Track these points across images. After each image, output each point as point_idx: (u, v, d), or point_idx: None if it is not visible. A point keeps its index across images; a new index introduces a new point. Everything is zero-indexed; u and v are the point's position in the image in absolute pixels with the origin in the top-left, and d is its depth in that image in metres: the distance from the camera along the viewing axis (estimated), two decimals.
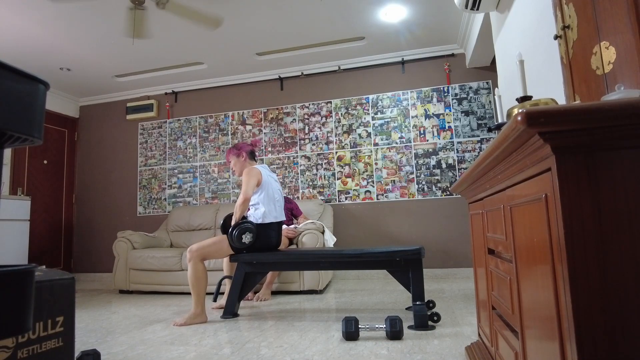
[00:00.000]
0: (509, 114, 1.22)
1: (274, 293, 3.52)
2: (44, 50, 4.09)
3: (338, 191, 4.55)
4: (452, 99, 4.37)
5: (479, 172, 1.13)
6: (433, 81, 4.45)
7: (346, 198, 4.51)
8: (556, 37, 1.70)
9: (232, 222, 2.72)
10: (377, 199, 4.43)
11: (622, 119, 0.57)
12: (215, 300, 3.11)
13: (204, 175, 5.01)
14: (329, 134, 4.66)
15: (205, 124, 5.10)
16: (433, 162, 4.33)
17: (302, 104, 4.80)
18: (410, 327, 2.22)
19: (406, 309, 2.73)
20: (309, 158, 4.68)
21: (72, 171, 5.47)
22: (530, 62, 2.12)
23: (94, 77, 4.87)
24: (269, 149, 4.82)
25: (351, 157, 4.56)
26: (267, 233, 2.78)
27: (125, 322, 2.69)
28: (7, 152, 4.65)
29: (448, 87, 4.40)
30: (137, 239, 4.11)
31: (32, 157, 4.96)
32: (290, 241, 3.67)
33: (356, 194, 4.49)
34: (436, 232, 4.22)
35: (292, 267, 2.89)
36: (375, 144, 4.51)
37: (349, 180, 4.53)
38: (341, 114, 4.66)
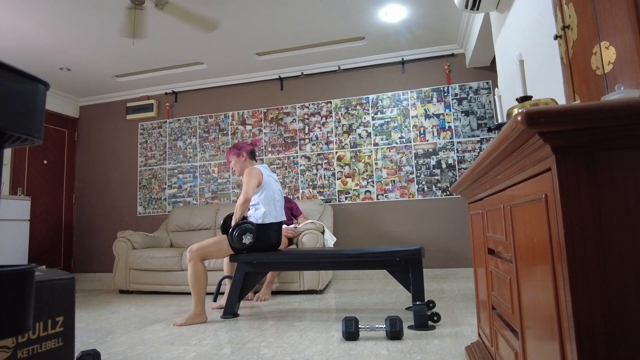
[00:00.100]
0: (509, 114, 1.22)
1: (274, 293, 3.52)
2: (44, 50, 4.09)
3: (338, 191, 4.55)
4: (452, 99, 4.37)
5: (479, 172, 1.13)
6: (433, 81, 4.45)
7: (346, 198, 4.51)
8: (556, 37, 1.70)
9: (233, 223, 2.72)
10: (377, 199, 4.43)
11: (622, 119, 0.57)
12: (215, 300, 3.11)
13: (204, 175, 5.01)
14: (329, 134, 4.66)
15: (205, 124, 5.10)
16: (433, 162, 4.33)
17: (302, 104, 4.80)
18: (410, 327, 2.22)
19: (406, 309, 2.73)
20: (309, 158, 4.68)
21: (72, 171, 5.47)
22: (530, 62, 2.12)
23: (94, 77, 4.87)
24: (269, 149, 4.82)
25: (351, 157, 4.56)
26: (267, 233, 2.78)
27: (125, 322, 2.69)
28: (7, 152, 4.65)
29: (448, 87, 4.40)
30: (137, 239, 4.11)
31: (32, 157, 4.96)
32: (290, 241, 3.67)
33: (356, 194, 4.49)
34: (436, 232, 4.22)
35: (292, 267, 2.89)
36: (375, 144, 4.51)
37: (349, 180, 4.53)
38: (341, 114, 4.66)
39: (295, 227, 3.64)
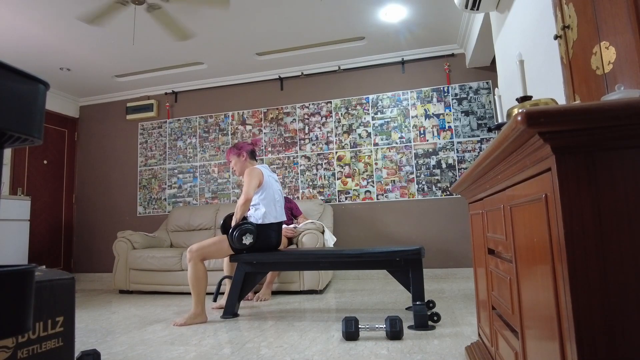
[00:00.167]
0: (509, 114, 1.22)
1: (274, 293, 3.52)
2: (44, 50, 4.09)
3: (338, 191, 4.55)
4: (452, 99, 4.37)
5: (479, 172, 1.13)
6: (433, 81, 4.46)
7: (346, 198, 4.51)
8: (556, 37, 1.70)
9: (233, 223, 2.72)
10: (377, 199, 4.43)
11: (622, 119, 0.57)
12: (215, 300, 3.11)
13: (204, 175, 5.02)
14: (329, 134, 4.66)
15: (205, 124, 5.10)
16: (433, 162, 4.33)
17: (302, 104, 4.80)
18: (410, 327, 2.22)
19: (406, 309, 2.73)
20: (309, 158, 4.68)
21: (72, 171, 5.47)
22: (530, 62, 2.12)
23: (94, 77, 4.87)
24: (269, 149, 4.82)
25: (351, 157, 4.56)
26: (267, 233, 2.78)
27: (125, 322, 2.69)
28: (7, 152, 4.65)
29: (448, 87, 4.40)
30: (137, 239, 4.11)
31: (32, 157, 4.96)
32: (290, 241, 3.67)
33: (356, 194, 4.49)
34: (436, 232, 4.22)
35: (292, 267, 2.89)
36: (375, 144, 4.51)
37: (349, 180, 4.53)
38: (341, 114, 4.66)
39: (295, 227, 3.64)
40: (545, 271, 0.70)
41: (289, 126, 4.80)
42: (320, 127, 4.70)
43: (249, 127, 4.94)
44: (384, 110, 4.54)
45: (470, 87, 4.34)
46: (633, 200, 0.59)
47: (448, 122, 4.35)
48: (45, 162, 5.13)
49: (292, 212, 3.89)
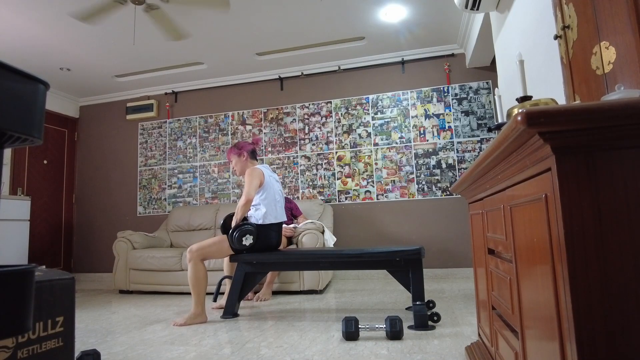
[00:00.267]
0: (509, 114, 1.22)
1: (274, 293, 3.52)
2: (44, 50, 4.09)
3: (338, 191, 4.55)
4: (452, 99, 4.37)
5: (479, 172, 1.13)
6: (433, 81, 4.46)
7: (346, 198, 4.51)
8: (556, 37, 1.70)
9: (233, 223, 2.72)
10: (377, 199, 4.43)
11: (622, 119, 0.57)
12: (215, 300, 3.11)
13: (204, 175, 5.02)
14: (329, 134, 4.66)
15: (205, 124, 5.10)
16: (433, 162, 4.33)
17: (302, 104, 4.80)
18: (410, 327, 2.22)
19: (406, 309, 2.73)
20: (309, 158, 4.68)
21: (72, 171, 5.47)
22: (530, 62, 2.12)
23: (94, 77, 4.87)
24: (269, 149, 4.82)
25: (351, 157, 4.56)
26: (268, 234, 2.78)
27: (125, 322, 2.69)
28: (7, 152, 4.65)
29: (448, 87, 4.40)
30: (137, 239, 4.11)
31: (32, 157, 4.96)
32: (290, 241, 3.67)
33: (356, 194, 4.49)
34: (436, 232, 4.22)
35: (292, 267, 2.89)
36: (375, 144, 4.51)
37: (349, 180, 4.53)
38: (341, 114, 4.66)
39: (295, 227, 3.64)
40: (545, 271, 0.70)
41: (289, 126, 4.80)
42: (320, 127, 4.70)
43: (249, 127, 4.94)
44: (384, 110, 4.54)
45: (470, 87, 4.34)
46: (633, 200, 0.59)
47: (448, 122, 4.35)
48: (45, 162, 5.13)
49: (292, 212, 3.89)
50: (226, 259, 3.16)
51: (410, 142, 4.42)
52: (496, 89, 1.68)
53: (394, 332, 2.02)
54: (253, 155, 2.99)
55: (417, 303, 2.27)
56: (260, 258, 2.68)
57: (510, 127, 0.67)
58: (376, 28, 3.95)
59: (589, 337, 0.58)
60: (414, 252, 2.42)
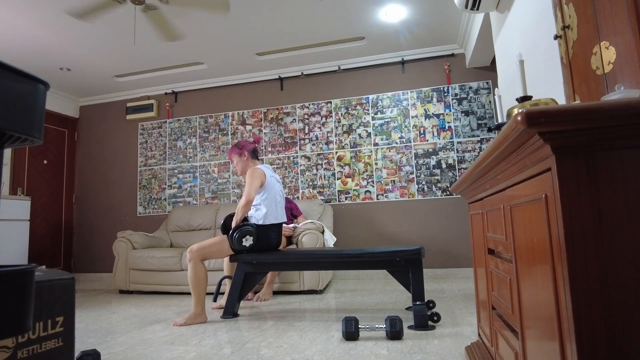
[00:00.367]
0: (509, 114, 1.22)
1: (274, 293, 3.51)
2: (44, 50, 4.09)
3: (338, 191, 4.55)
4: (452, 99, 4.37)
5: (479, 172, 1.13)
6: (433, 81, 4.46)
7: (346, 198, 4.51)
8: (556, 37, 1.70)
9: (233, 224, 2.72)
10: (377, 199, 4.43)
11: (622, 119, 0.57)
12: (215, 300, 3.11)
13: (204, 175, 5.02)
14: (329, 134, 4.66)
15: (205, 124, 5.10)
16: (433, 162, 4.33)
17: (302, 104, 4.80)
18: (410, 327, 2.22)
19: (406, 309, 2.73)
20: (309, 158, 4.68)
21: (72, 171, 5.47)
22: (530, 62, 2.12)
23: (94, 77, 4.87)
24: (269, 149, 4.82)
25: (351, 157, 4.56)
26: (268, 234, 2.77)
27: (125, 322, 2.69)
28: (7, 152, 4.65)
29: (448, 87, 4.40)
30: (137, 239, 4.11)
31: (32, 157, 4.96)
32: (290, 241, 3.67)
33: (356, 194, 4.49)
34: (436, 232, 4.22)
35: (292, 267, 2.89)
36: (375, 144, 4.51)
37: (349, 180, 4.53)
38: (341, 114, 4.66)
39: (295, 227, 3.64)
40: (545, 271, 0.70)
41: (289, 126, 4.80)
42: (320, 127, 4.70)
43: (249, 127, 4.94)
44: (384, 110, 4.54)
45: (470, 87, 4.34)
46: (633, 200, 0.59)
47: (448, 122, 4.35)
48: (45, 162, 5.13)
49: (292, 212, 3.89)
50: (226, 259, 3.16)
51: (410, 142, 4.42)
52: (496, 89, 1.68)
53: (394, 332, 2.02)
54: (254, 154, 2.98)
55: (417, 303, 2.27)
56: (260, 258, 2.68)
57: (510, 127, 0.67)
58: (376, 28, 3.95)
59: (589, 337, 0.58)
60: (414, 252, 2.42)
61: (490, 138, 4.20)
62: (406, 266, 2.44)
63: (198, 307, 2.58)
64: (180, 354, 1.93)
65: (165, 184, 5.13)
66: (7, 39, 3.80)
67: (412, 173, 4.37)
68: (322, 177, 4.61)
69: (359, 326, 2.09)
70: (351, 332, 2.04)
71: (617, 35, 1.22)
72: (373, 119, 4.56)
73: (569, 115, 0.58)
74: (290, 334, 2.21)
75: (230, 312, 2.69)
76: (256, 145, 3.03)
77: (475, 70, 4.35)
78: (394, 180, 4.41)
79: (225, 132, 5.01)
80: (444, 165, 4.30)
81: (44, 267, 4.23)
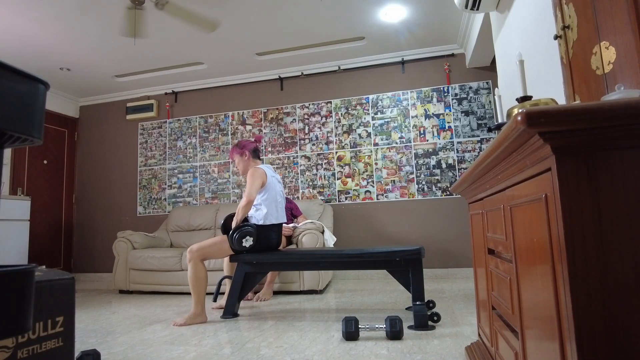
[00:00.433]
0: (509, 114, 1.22)
1: (274, 293, 3.51)
2: (44, 50, 4.09)
3: (338, 191, 4.55)
4: (452, 99, 4.37)
5: (479, 172, 1.13)
6: (433, 81, 4.46)
7: (346, 198, 4.51)
8: (556, 37, 1.70)
9: (233, 224, 2.72)
10: (377, 199, 4.43)
11: (622, 119, 0.57)
12: (215, 300, 3.11)
13: (204, 175, 5.02)
14: (329, 134, 4.66)
15: (205, 124, 5.10)
16: (433, 162, 4.33)
17: (302, 104, 4.80)
18: (410, 327, 2.22)
19: (406, 309, 2.73)
20: (309, 158, 4.68)
21: (72, 171, 5.47)
22: (530, 62, 2.12)
23: (94, 77, 4.87)
24: (269, 149, 4.82)
25: (351, 157, 4.56)
26: (268, 234, 2.77)
27: (125, 322, 2.69)
28: (7, 152, 4.65)
29: (448, 87, 4.40)
30: (137, 239, 4.11)
31: (32, 157, 4.96)
32: (289, 241, 3.67)
33: (356, 194, 4.49)
34: (436, 232, 4.22)
35: (292, 267, 2.89)
36: (375, 144, 4.51)
37: (349, 180, 4.53)
38: (341, 114, 4.66)
39: (295, 227, 3.64)
40: (545, 271, 0.70)
41: (289, 126, 4.80)
42: (320, 127, 4.70)
43: (249, 127, 4.94)
44: (384, 110, 4.54)
45: (470, 87, 4.34)
46: (633, 200, 0.59)
47: (448, 122, 4.35)
48: (45, 162, 5.13)
49: (292, 212, 3.89)
50: (226, 259, 3.16)
51: (410, 142, 4.42)
52: (496, 89, 1.68)
53: (394, 332, 2.02)
54: (255, 154, 2.98)
55: (417, 303, 2.27)
56: (260, 258, 2.68)
57: (510, 127, 0.67)
58: (376, 28, 3.95)
59: (589, 337, 0.58)
60: (414, 252, 2.42)
61: (490, 138, 4.20)
62: (406, 266, 2.44)
63: (198, 307, 2.58)
64: (180, 354, 1.93)
65: (165, 184, 5.13)
66: (7, 39, 3.80)
67: (412, 173, 4.37)
68: (322, 177, 4.61)
69: (359, 326, 2.09)
70: (351, 332, 2.04)
71: (617, 35, 1.22)
72: (373, 119, 4.56)
73: (569, 115, 0.58)
74: (290, 334, 2.21)
75: (230, 312, 2.69)
76: (257, 144, 3.02)
77: (475, 70, 4.35)
78: (394, 180, 4.41)
79: (225, 132, 5.01)
80: (444, 165, 4.30)
81: (44, 267, 4.23)
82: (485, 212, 1.30)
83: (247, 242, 2.64)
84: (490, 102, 4.27)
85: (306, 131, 4.73)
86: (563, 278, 0.62)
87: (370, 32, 4.04)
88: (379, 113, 4.55)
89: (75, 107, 5.59)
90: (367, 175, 4.49)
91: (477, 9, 2.81)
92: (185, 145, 5.13)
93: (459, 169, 4.26)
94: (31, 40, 3.86)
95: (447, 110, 4.37)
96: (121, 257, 4.02)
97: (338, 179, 4.56)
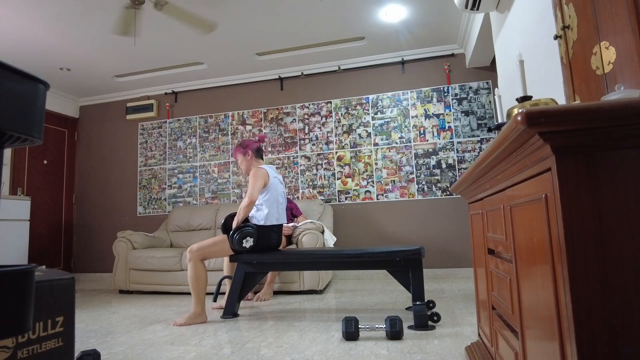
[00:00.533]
0: (509, 114, 1.22)
1: (275, 293, 3.51)
2: (44, 50, 4.09)
3: (338, 191, 4.55)
4: (452, 99, 4.37)
5: (479, 172, 1.13)
6: (433, 81, 4.45)
7: (346, 198, 4.51)
8: (556, 37, 1.70)
9: (234, 224, 2.71)
10: (377, 199, 4.43)
11: (622, 119, 0.57)
12: (215, 301, 3.11)
13: (204, 175, 5.02)
14: (329, 134, 4.66)
15: (205, 124, 5.10)
16: (433, 162, 4.33)
17: (302, 104, 4.80)
18: (410, 327, 2.22)
19: (406, 309, 2.73)
20: (309, 158, 4.68)
21: (72, 171, 5.47)
22: (530, 62, 2.12)
23: (94, 77, 4.87)
24: (269, 149, 4.82)
25: (351, 157, 4.56)
26: (268, 235, 2.77)
27: (125, 322, 2.69)
28: (7, 152, 4.65)
29: (448, 87, 4.40)
30: (137, 239, 4.11)
31: (32, 157, 4.96)
32: (289, 240, 3.67)
33: (356, 194, 4.49)
34: (436, 232, 4.22)
35: (292, 267, 2.89)
36: (375, 144, 4.51)
37: (349, 180, 4.53)
38: (341, 114, 4.66)
39: (294, 226, 3.63)
40: (545, 271, 0.70)
41: (289, 126, 4.80)
42: (320, 127, 4.70)
43: (249, 127, 4.94)
44: (384, 110, 4.54)
45: (470, 87, 4.34)
46: (633, 200, 0.59)
47: (448, 122, 4.35)
48: (45, 162, 5.13)
49: (292, 212, 3.89)
50: (226, 259, 3.16)
51: (410, 142, 4.42)
52: (496, 89, 1.68)
53: (394, 332, 2.02)
54: (258, 153, 2.97)
55: (417, 303, 2.27)
56: (260, 258, 2.68)
57: (510, 127, 0.67)
58: (376, 28, 3.95)
59: (589, 337, 0.58)
60: (414, 252, 2.42)
61: (490, 138, 4.20)
62: (406, 266, 2.44)
63: (198, 306, 2.58)
64: (180, 354, 1.93)
65: (165, 184, 5.13)
66: (7, 39, 3.80)
67: (412, 173, 4.37)
68: (322, 177, 4.61)
69: (359, 326, 2.09)
70: (351, 332, 2.04)
71: (617, 35, 1.22)
72: (373, 119, 4.56)
73: (569, 115, 0.58)
74: (290, 334, 2.21)
75: (230, 312, 2.69)
76: (260, 144, 3.02)
77: (475, 70, 4.35)
78: (394, 180, 4.41)
79: (225, 132, 5.01)
80: (444, 165, 4.30)
81: (44, 267, 4.23)
82: (485, 212, 1.30)
83: (248, 242, 2.64)
84: (490, 102, 4.27)
85: (306, 131, 4.73)
86: (563, 278, 0.62)
87: (370, 32, 4.04)
88: (379, 113, 4.55)
89: (75, 107, 5.59)
90: (367, 175, 4.49)
91: (477, 9, 2.81)
92: (185, 145, 5.13)
93: (459, 169, 4.26)
94: (31, 40, 3.86)
95: (447, 110, 4.37)
96: (121, 257, 4.02)
97: (338, 179, 4.56)
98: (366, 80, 4.65)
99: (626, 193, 0.59)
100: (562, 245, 0.61)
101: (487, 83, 4.30)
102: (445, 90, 4.40)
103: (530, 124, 0.60)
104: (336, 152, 4.61)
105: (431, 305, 2.60)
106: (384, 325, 2.07)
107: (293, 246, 3.62)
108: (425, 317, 2.22)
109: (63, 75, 4.76)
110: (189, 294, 3.52)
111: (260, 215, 2.77)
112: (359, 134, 4.57)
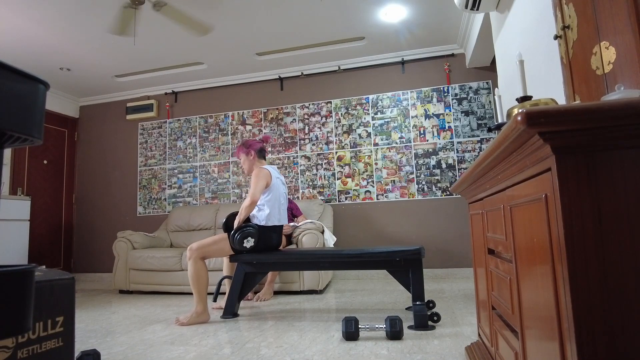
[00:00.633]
0: (509, 114, 1.22)
1: (275, 293, 3.51)
2: (44, 50, 4.09)
3: (338, 191, 4.55)
4: (452, 99, 4.37)
5: (479, 172, 1.13)
6: (433, 81, 4.45)
7: (346, 198, 4.51)
8: (556, 37, 1.70)
9: (236, 223, 2.71)
10: (377, 199, 4.43)
11: (622, 119, 0.57)
12: (215, 301, 3.11)
13: (204, 175, 5.02)
14: (329, 134, 4.66)
15: (205, 124, 5.10)
16: (433, 162, 4.33)
17: (302, 104, 4.80)
18: (410, 327, 2.22)
19: (406, 309, 2.73)
20: (309, 158, 4.68)
21: (72, 171, 5.47)
22: (530, 62, 2.12)
23: (94, 77, 4.87)
24: (269, 149, 4.82)
25: (351, 157, 4.56)
26: (269, 235, 2.77)
27: (125, 322, 2.69)
28: (7, 152, 4.65)
29: (448, 87, 4.40)
30: (137, 239, 4.11)
31: (32, 157, 4.96)
32: (289, 240, 3.67)
33: (356, 194, 4.49)
34: (436, 232, 4.22)
35: (292, 267, 2.89)
36: (375, 144, 4.51)
37: (349, 180, 4.53)
38: (341, 114, 4.66)
39: (294, 226, 3.63)
40: (545, 271, 0.70)
41: (289, 126, 4.80)
42: (320, 127, 4.70)
43: (249, 127, 4.94)
44: (384, 110, 4.54)
45: (470, 87, 4.34)
46: (633, 200, 0.59)
47: (448, 122, 4.35)
48: (45, 162, 5.13)
49: (292, 212, 3.89)
50: (226, 259, 3.16)
51: (410, 142, 4.42)
52: (496, 89, 1.68)
53: (394, 332, 2.02)
54: (261, 154, 2.97)
55: (417, 303, 2.27)
56: (260, 258, 2.68)
57: (510, 127, 0.67)
58: (376, 28, 3.95)
59: (589, 337, 0.58)
60: (414, 252, 2.42)
61: (490, 138, 4.20)
62: (406, 266, 2.44)
63: (200, 305, 2.57)
64: (180, 354, 1.93)
65: (165, 184, 5.13)
66: (7, 39, 3.80)
67: (412, 173, 4.37)
68: (322, 177, 4.61)
69: (359, 326, 2.09)
70: (351, 332, 2.04)
71: (617, 35, 1.22)
72: (373, 119, 4.56)
73: (569, 115, 0.58)
74: (290, 334, 2.21)
75: (230, 312, 2.69)
76: (264, 144, 3.01)
77: (475, 70, 4.35)
78: (394, 180, 4.41)
79: (225, 132, 5.01)
80: (444, 165, 4.30)
81: (44, 267, 4.23)
82: (485, 212, 1.30)
83: (249, 242, 2.64)
84: (490, 102, 4.27)
85: (306, 131, 4.73)
86: (563, 278, 0.62)
87: (370, 32, 4.04)
88: (379, 113, 4.55)
89: (75, 107, 5.59)
90: (367, 175, 4.49)
91: (477, 9, 2.81)
92: (185, 145, 5.13)
93: (459, 169, 4.26)
94: (31, 40, 3.86)
95: (447, 110, 4.37)
96: (121, 257, 4.02)
97: (338, 179, 4.56)
98: (366, 80, 4.65)
99: (626, 193, 0.59)
100: (562, 245, 0.61)
101: (487, 83, 4.30)
102: (445, 90, 4.40)
103: (530, 124, 0.60)
104: (336, 152, 4.61)
105: (431, 305, 2.60)
106: (384, 325, 2.07)
107: (293, 246, 3.62)
108: (425, 317, 2.22)
109: (63, 75, 4.76)
110: (189, 293, 3.52)
111: (262, 216, 2.77)
112: (359, 134, 4.57)
